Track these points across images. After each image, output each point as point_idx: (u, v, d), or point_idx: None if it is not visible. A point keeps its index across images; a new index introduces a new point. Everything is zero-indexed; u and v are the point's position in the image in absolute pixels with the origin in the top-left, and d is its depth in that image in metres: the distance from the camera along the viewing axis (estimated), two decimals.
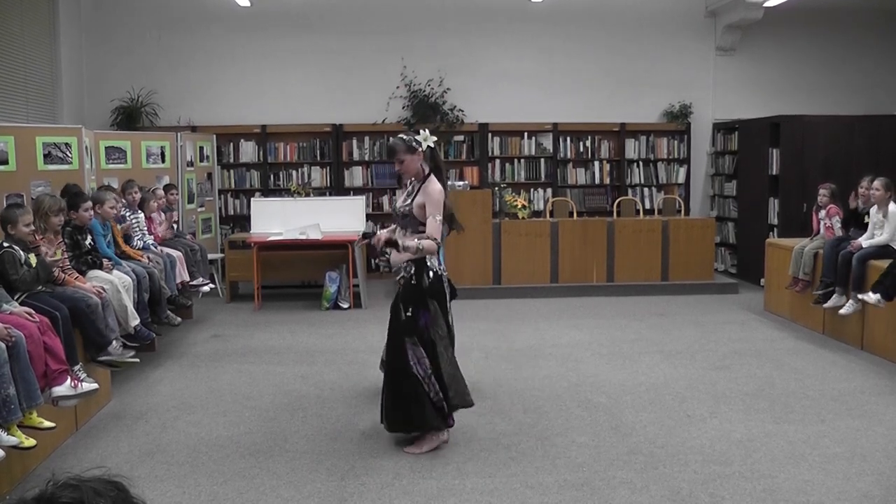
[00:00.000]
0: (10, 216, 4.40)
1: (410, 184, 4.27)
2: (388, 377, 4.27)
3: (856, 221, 6.73)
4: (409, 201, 4.21)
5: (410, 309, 4.11)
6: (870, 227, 6.47)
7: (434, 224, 4.07)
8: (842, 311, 6.34)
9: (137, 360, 5.26)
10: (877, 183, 6.36)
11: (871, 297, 5.90)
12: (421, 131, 4.25)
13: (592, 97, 10.38)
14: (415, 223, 4.16)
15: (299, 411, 4.86)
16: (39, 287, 4.46)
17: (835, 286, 6.54)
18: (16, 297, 4.26)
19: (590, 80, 10.38)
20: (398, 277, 4.22)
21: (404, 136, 4.23)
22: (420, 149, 4.18)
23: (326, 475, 3.88)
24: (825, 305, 6.62)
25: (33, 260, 4.44)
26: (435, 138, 4.27)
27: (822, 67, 10.57)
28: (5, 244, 4.33)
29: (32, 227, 4.50)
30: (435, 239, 4.06)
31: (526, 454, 4.11)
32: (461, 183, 9.04)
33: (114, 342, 4.88)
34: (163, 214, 7.15)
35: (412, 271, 4.13)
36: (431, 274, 4.13)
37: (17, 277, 4.27)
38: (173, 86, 9.92)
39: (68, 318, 4.35)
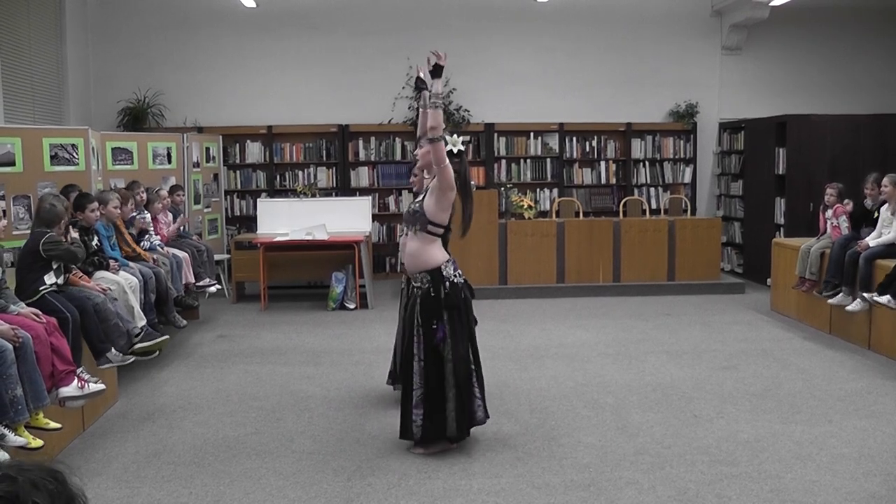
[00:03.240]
0: (56, 214, 4.54)
1: (424, 188, 4.26)
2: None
3: (865, 219, 6.69)
4: (419, 199, 4.21)
5: (433, 322, 4.06)
6: (878, 224, 6.43)
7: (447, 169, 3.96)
8: (849, 308, 6.31)
9: (164, 340, 5.38)
10: (885, 180, 6.32)
11: (882, 298, 5.86)
12: (454, 135, 4.17)
13: (598, 97, 10.36)
14: (424, 221, 4.13)
15: (305, 412, 4.86)
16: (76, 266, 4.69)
17: (841, 286, 6.52)
18: (32, 296, 4.28)
19: (595, 79, 10.36)
20: (415, 286, 4.18)
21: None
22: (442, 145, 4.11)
23: (333, 475, 3.88)
24: (830, 301, 6.59)
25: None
26: (462, 147, 4.16)
27: (829, 66, 10.52)
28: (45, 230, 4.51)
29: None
30: (439, 140, 3.91)
31: (532, 454, 4.11)
32: None
33: (136, 328, 5.05)
34: (170, 215, 7.17)
35: (428, 282, 4.09)
36: (448, 284, 4.10)
37: (66, 247, 4.48)
38: (179, 87, 9.94)
39: (76, 319, 4.38)
